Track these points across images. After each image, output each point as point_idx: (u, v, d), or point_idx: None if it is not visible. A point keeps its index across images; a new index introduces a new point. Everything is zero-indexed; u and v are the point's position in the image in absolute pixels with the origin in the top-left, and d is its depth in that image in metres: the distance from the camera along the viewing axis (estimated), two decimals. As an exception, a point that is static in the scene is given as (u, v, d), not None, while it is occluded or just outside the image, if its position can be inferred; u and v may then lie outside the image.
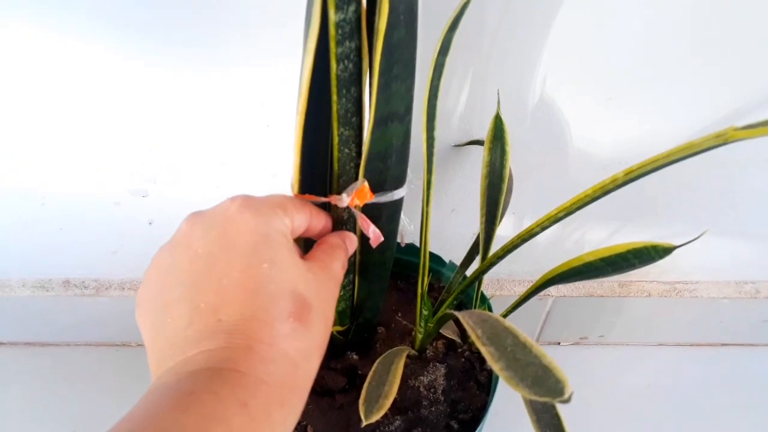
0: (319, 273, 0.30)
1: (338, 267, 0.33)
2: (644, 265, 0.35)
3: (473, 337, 0.30)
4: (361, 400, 0.38)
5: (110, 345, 0.70)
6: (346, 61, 0.32)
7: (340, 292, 0.46)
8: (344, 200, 0.37)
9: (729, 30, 0.46)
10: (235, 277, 0.26)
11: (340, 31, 0.30)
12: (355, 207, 0.39)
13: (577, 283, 0.66)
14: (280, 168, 0.54)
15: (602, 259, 0.36)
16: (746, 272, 0.66)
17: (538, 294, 0.59)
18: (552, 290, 0.66)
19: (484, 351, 0.28)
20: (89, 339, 0.69)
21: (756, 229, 0.61)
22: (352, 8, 0.30)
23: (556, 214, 0.36)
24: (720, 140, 0.29)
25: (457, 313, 0.35)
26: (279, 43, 0.46)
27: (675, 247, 0.34)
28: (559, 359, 0.71)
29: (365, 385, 0.40)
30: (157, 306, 0.27)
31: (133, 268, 0.63)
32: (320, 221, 0.36)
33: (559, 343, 0.72)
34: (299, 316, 0.27)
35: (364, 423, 0.37)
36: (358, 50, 0.32)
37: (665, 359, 0.72)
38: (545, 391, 0.24)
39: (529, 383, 0.25)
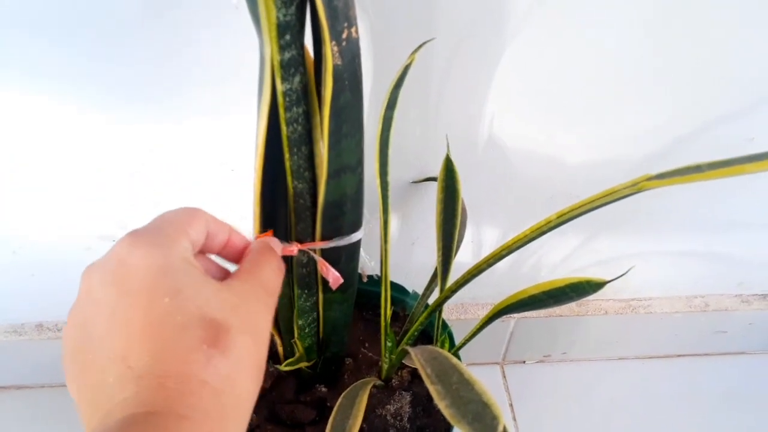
0: (238, 287, 0.29)
1: (268, 272, 0.32)
2: (580, 298, 0.38)
3: (423, 375, 0.32)
4: (327, 430, 0.40)
5: (85, 385, 0.71)
6: (295, 124, 0.35)
7: (305, 328, 0.48)
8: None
9: (663, 71, 0.49)
10: (139, 319, 0.25)
11: (287, 99, 0.33)
12: (313, 252, 0.41)
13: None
14: (247, 211, 0.56)
15: (544, 292, 0.39)
16: (695, 287, 0.70)
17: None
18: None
19: (432, 389, 0.31)
20: (63, 380, 0.70)
21: (702, 248, 0.65)
22: (297, 79, 0.33)
23: (499, 252, 0.39)
24: (635, 189, 0.32)
25: (410, 350, 0.37)
26: (238, 94, 0.48)
27: (606, 282, 0.37)
28: (524, 377, 0.74)
29: (330, 420, 0.42)
30: (75, 368, 0.27)
31: (105, 310, 0.65)
32: (221, 229, 0.34)
33: (524, 362, 0.75)
34: (213, 342, 0.25)
35: (329, 458, 0.39)
36: (306, 114, 0.35)
37: (626, 372, 0.75)
38: (483, 427, 0.26)
39: (470, 419, 0.27)
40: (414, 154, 0.54)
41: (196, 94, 0.48)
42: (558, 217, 0.35)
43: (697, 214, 0.62)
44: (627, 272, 0.43)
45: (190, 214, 0.32)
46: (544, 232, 0.36)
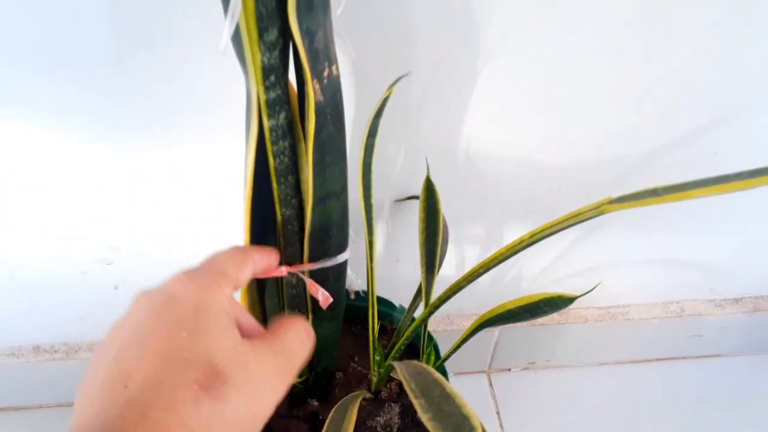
0: (260, 347, 0.29)
1: (293, 337, 0.32)
2: (554, 312, 0.41)
3: (408, 390, 0.35)
4: (318, 445, 0.42)
5: (82, 405, 0.72)
6: (281, 156, 0.37)
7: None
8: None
9: (629, 90, 0.52)
10: (154, 345, 0.26)
11: (273, 134, 0.35)
12: (302, 274, 0.44)
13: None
14: (237, 233, 0.59)
15: (521, 307, 0.42)
16: (670, 293, 0.73)
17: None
18: (497, 322, 0.71)
19: (416, 403, 0.33)
20: (61, 400, 0.72)
21: (675, 255, 0.68)
22: (282, 115, 0.35)
23: (478, 269, 0.41)
24: (597, 212, 0.34)
25: (396, 365, 0.40)
26: (227, 123, 0.50)
27: (576, 297, 0.39)
28: (510, 384, 0.77)
29: (324, 427, 0.44)
30: (88, 377, 0.27)
31: (101, 330, 0.66)
32: (264, 260, 0.37)
33: (509, 369, 0.78)
34: (207, 386, 0.26)
35: (322, 468, 0.41)
36: (292, 147, 0.37)
37: (606, 377, 0.78)
38: (460, 437, 0.28)
39: (450, 429, 0.29)
40: (396, 175, 0.57)
41: (186, 122, 0.50)
42: (530, 237, 0.38)
43: (669, 224, 0.65)
44: (595, 287, 0.46)
45: (239, 259, 0.34)
46: (518, 251, 0.39)
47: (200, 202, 0.56)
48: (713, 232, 0.66)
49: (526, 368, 0.78)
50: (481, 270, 0.41)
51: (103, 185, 0.54)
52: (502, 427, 0.72)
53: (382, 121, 0.43)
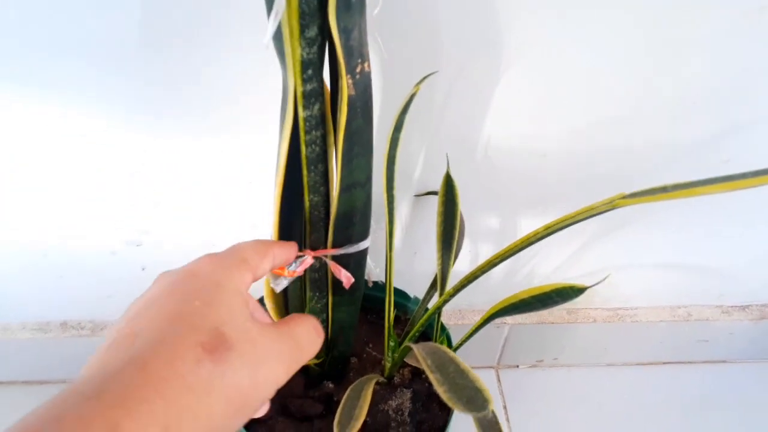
0: (270, 330, 0.30)
1: (303, 329, 0.32)
2: (565, 302, 0.43)
3: (424, 366, 0.37)
4: (335, 423, 0.45)
5: (104, 381, 0.75)
6: (313, 146, 0.39)
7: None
8: (285, 275, 0.44)
9: (646, 97, 0.54)
10: (165, 310, 0.27)
11: (308, 124, 0.38)
12: (326, 258, 0.46)
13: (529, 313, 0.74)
14: (259, 219, 0.61)
15: (533, 297, 0.44)
16: (679, 298, 0.74)
17: (495, 322, 0.67)
18: (508, 319, 0.73)
19: (432, 377, 0.35)
20: (84, 376, 0.75)
21: (684, 260, 0.70)
22: (316, 107, 0.37)
23: (492, 260, 0.44)
24: (610, 206, 0.36)
25: (413, 346, 0.42)
26: (259, 112, 0.53)
27: (586, 288, 0.41)
28: (518, 381, 0.79)
29: (338, 410, 0.46)
30: (105, 341, 0.28)
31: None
32: (284, 254, 0.38)
33: (517, 366, 0.79)
34: (210, 349, 0.26)
35: (338, 442, 0.43)
36: (323, 137, 0.40)
37: (613, 378, 0.79)
38: (474, 407, 0.31)
39: (464, 402, 0.32)
40: (417, 172, 0.59)
41: (220, 114, 0.53)
42: (545, 229, 0.40)
43: (679, 229, 0.66)
44: (605, 279, 0.48)
45: (261, 250, 0.35)
46: (532, 243, 0.41)
47: (228, 191, 0.59)
48: (723, 238, 0.68)
49: (534, 366, 0.79)
50: (497, 260, 0.43)
51: (138, 169, 0.56)
52: (508, 421, 0.74)
53: (407, 121, 0.46)
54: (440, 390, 0.33)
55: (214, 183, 0.58)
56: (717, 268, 0.71)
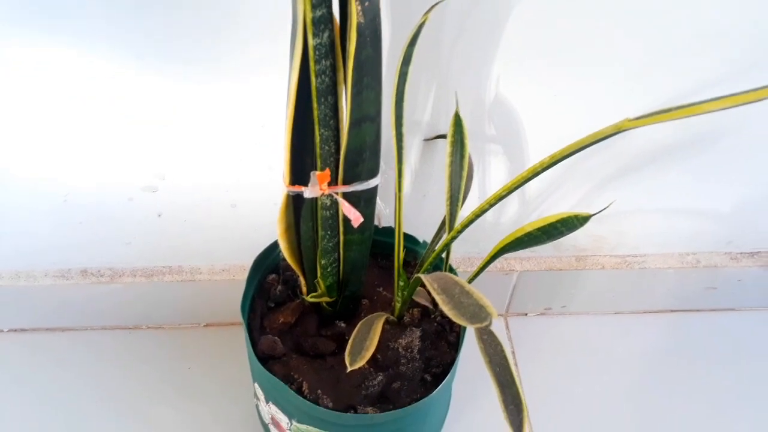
0: None
1: None
2: (570, 232, 0.44)
3: (431, 289, 0.38)
4: (346, 352, 0.46)
5: (123, 328, 0.77)
6: (323, 76, 0.40)
7: (327, 268, 0.54)
8: (309, 191, 0.45)
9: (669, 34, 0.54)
10: None
11: (317, 53, 0.38)
12: (336, 195, 0.47)
13: (538, 258, 0.75)
14: (275, 161, 0.62)
15: (539, 229, 0.45)
16: (687, 245, 0.75)
17: (504, 269, 0.68)
18: (516, 265, 0.74)
19: (438, 298, 0.36)
20: (104, 323, 0.77)
21: (693, 206, 0.70)
22: (326, 34, 0.38)
23: (500, 193, 0.44)
24: (616, 129, 0.37)
25: (422, 276, 0.43)
26: (269, 57, 0.54)
27: (591, 216, 0.42)
28: (526, 328, 0.80)
29: (350, 340, 0.48)
30: None
31: (143, 257, 0.71)
32: None
33: (526, 314, 0.81)
34: None
35: (349, 369, 0.45)
36: (333, 67, 0.40)
37: (621, 326, 0.80)
38: (477, 320, 0.32)
39: (468, 316, 0.33)
40: (427, 114, 0.59)
41: (232, 57, 0.54)
42: (550, 159, 0.41)
43: (687, 174, 0.67)
44: (609, 206, 0.49)
45: None
46: (538, 173, 0.41)
47: (241, 135, 0.60)
48: (732, 184, 0.68)
49: (542, 313, 0.81)
50: (504, 192, 0.44)
51: (152, 116, 0.57)
52: (516, 365, 0.76)
53: (416, 59, 0.46)
54: (446, 308, 0.35)
55: (227, 127, 0.59)
56: (726, 214, 0.71)
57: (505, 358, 0.45)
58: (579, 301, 0.79)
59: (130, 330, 0.77)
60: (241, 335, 0.76)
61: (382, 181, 0.50)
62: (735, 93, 0.32)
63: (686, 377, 0.75)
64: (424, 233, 0.64)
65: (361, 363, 0.45)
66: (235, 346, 0.75)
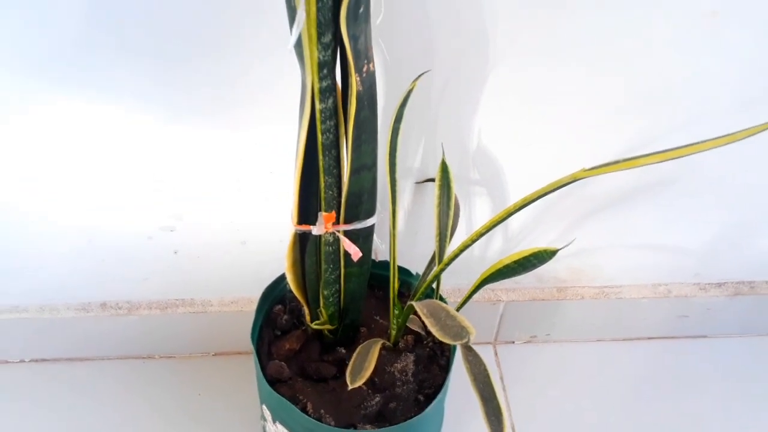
0: None
1: None
2: (541, 264, 0.50)
3: (421, 314, 0.45)
4: (348, 372, 0.52)
5: (138, 357, 0.83)
6: (328, 133, 0.47)
7: (330, 298, 0.61)
8: (316, 230, 0.52)
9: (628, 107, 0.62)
10: None
11: (323, 115, 0.46)
12: (338, 232, 0.54)
13: (523, 289, 0.81)
14: (282, 203, 0.69)
15: (515, 262, 0.52)
16: (659, 276, 0.81)
17: (491, 299, 0.74)
18: (503, 296, 0.81)
19: (427, 321, 0.43)
20: (120, 353, 0.83)
21: (663, 241, 0.77)
22: (330, 100, 0.45)
23: (480, 231, 0.51)
24: (573, 178, 0.44)
25: (414, 303, 0.50)
26: (276, 111, 0.61)
27: (558, 250, 0.49)
28: (513, 355, 0.87)
29: (351, 362, 0.54)
30: None
31: (159, 291, 0.77)
32: None
33: (513, 342, 0.87)
34: None
35: (350, 387, 0.51)
36: (336, 126, 0.48)
37: (602, 353, 0.86)
38: (459, 338, 0.38)
39: (452, 335, 0.39)
40: (417, 161, 0.67)
41: (242, 110, 0.61)
42: (522, 202, 0.47)
43: (657, 211, 0.74)
44: (571, 242, 0.56)
45: None
46: (512, 213, 0.48)
47: (252, 180, 0.67)
48: (694, 220, 0.75)
49: (528, 341, 0.87)
50: (484, 231, 0.50)
51: (171, 162, 0.65)
52: (505, 390, 0.81)
53: (407, 115, 0.54)
54: (434, 330, 0.41)
55: (239, 173, 0.66)
56: (692, 248, 0.78)
57: (487, 375, 0.51)
58: (562, 329, 0.85)
59: (144, 360, 0.83)
60: (247, 363, 0.82)
61: (378, 220, 0.57)
62: (668, 149, 0.40)
63: (662, 400, 0.81)
64: (417, 266, 0.70)
65: (360, 382, 0.51)
66: (243, 373, 0.80)
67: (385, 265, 0.70)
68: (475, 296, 0.80)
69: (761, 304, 0.84)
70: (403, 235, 0.73)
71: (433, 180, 0.69)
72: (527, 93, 0.61)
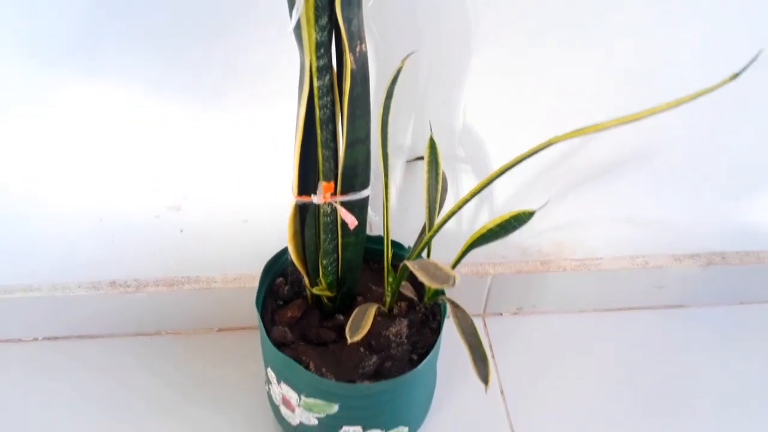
0: None
1: None
2: (520, 226, 0.55)
3: (413, 269, 0.49)
4: (347, 328, 0.57)
5: (145, 334, 0.87)
6: (324, 109, 0.52)
7: (328, 267, 0.65)
8: (316, 198, 0.57)
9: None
10: None
11: (321, 91, 0.50)
12: (335, 203, 0.59)
13: (509, 263, 0.86)
14: (282, 181, 0.74)
15: (497, 225, 0.56)
16: (637, 248, 0.87)
17: (479, 272, 0.79)
18: (490, 269, 0.86)
19: (418, 273, 0.48)
20: (128, 330, 0.87)
21: (637, 212, 0.82)
22: (327, 78, 0.50)
23: (466, 198, 0.56)
24: (547, 144, 0.49)
25: (407, 262, 0.54)
26: (277, 90, 0.66)
27: (534, 212, 0.54)
28: (501, 327, 0.92)
29: (349, 321, 0.58)
30: None
31: (166, 269, 0.82)
32: None
33: (501, 314, 0.92)
34: None
35: (349, 341, 0.55)
36: (332, 102, 0.52)
37: (585, 323, 0.91)
38: (445, 282, 0.43)
39: (440, 281, 0.44)
40: (408, 140, 0.72)
41: (245, 91, 0.66)
42: (500, 170, 0.52)
43: (636, 184, 0.79)
44: (545, 205, 0.61)
45: None
46: (493, 180, 0.53)
47: (253, 159, 0.72)
48: (668, 194, 0.80)
49: (515, 313, 0.92)
50: (470, 196, 0.55)
51: (179, 142, 0.69)
52: (494, 357, 0.86)
53: (397, 95, 0.58)
54: (424, 279, 0.46)
55: (241, 151, 0.71)
56: (669, 220, 0.83)
57: (473, 327, 0.56)
58: (546, 300, 0.90)
59: (151, 336, 0.87)
60: (249, 338, 0.86)
61: (372, 194, 0.62)
62: (627, 115, 0.45)
63: (644, 366, 0.86)
64: (409, 240, 0.75)
65: (359, 337, 0.56)
66: (246, 347, 0.85)
67: (378, 239, 0.75)
68: (464, 270, 0.85)
69: (732, 274, 0.89)
70: (395, 212, 0.78)
71: (422, 158, 0.73)
72: (510, 72, 0.66)
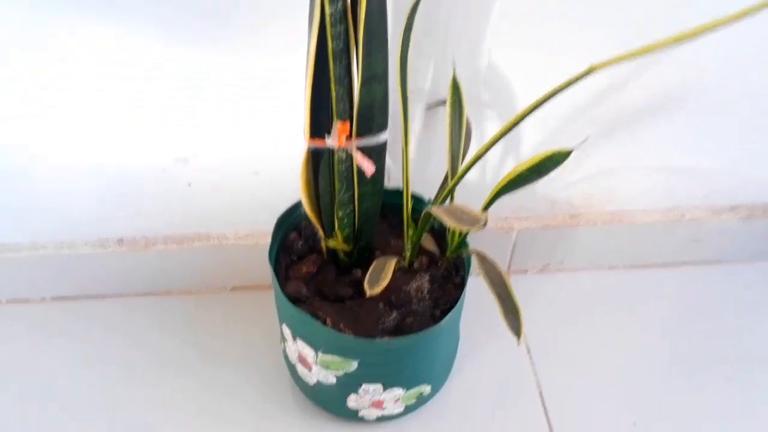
0: None
1: None
2: (555, 168, 0.50)
3: (439, 213, 0.45)
4: (366, 281, 0.53)
5: (155, 294, 0.84)
6: (338, 39, 0.47)
7: (344, 219, 0.61)
8: (330, 141, 0.52)
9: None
10: None
11: (333, 19, 0.45)
12: (351, 148, 0.54)
13: (535, 216, 0.81)
14: (292, 129, 0.69)
15: (529, 168, 0.52)
16: (672, 199, 0.81)
17: (504, 227, 0.74)
18: (515, 224, 0.81)
19: (445, 217, 0.43)
20: (138, 290, 0.84)
21: (675, 162, 0.77)
22: (339, 4, 0.45)
23: (494, 138, 0.51)
24: (587, 71, 0.44)
25: (432, 207, 0.50)
26: (285, 37, 0.61)
27: (571, 152, 0.49)
28: (527, 285, 0.87)
29: (368, 274, 0.54)
30: None
31: (174, 225, 0.78)
32: None
33: (526, 271, 0.87)
34: None
35: (368, 294, 0.51)
36: (346, 31, 0.47)
37: (615, 280, 0.87)
38: (474, 224, 0.39)
39: (467, 224, 0.40)
40: (428, 84, 0.66)
41: (252, 37, 0.61)
42: (535, 104, 0.47)
43: (670, 132, 0.73)
44: (585, 140, 0.55)
45: None
46: (525, 116, 0.48)
47: (262, 108, 0.67)
48: (705, 142, 0.74)
49: (542, 270, 0.87)
50: (498, 136, 0.50)
51: (184, 89, 0.65)
52: (518, 316, 0.82)
53: (416, 34, 0.53)
54: (451, 222, 0.42)
55: (249, 102, 0.66)
56: (706, 170, 0.77)
57: (502, 278, 0.52)
58: (575, 257, 0.85)
59: (161, 296, 0.84)
60: (263, 297, 0.83)
61: (390, 139, 0.57)
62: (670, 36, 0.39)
63: (677, 325, 0.81)
64: (430, 192, 0.70)
65: (378, 290, 0.52)
66: (259, 306, 0.82)
67: (396, 192, 0.70)
68: (489, 224, 0.81)
69: (774, 227, 0.83)
70: (415, 162, 0.74)
71: (444, 102, 0.68)
72: (539, 7, 0.60)
